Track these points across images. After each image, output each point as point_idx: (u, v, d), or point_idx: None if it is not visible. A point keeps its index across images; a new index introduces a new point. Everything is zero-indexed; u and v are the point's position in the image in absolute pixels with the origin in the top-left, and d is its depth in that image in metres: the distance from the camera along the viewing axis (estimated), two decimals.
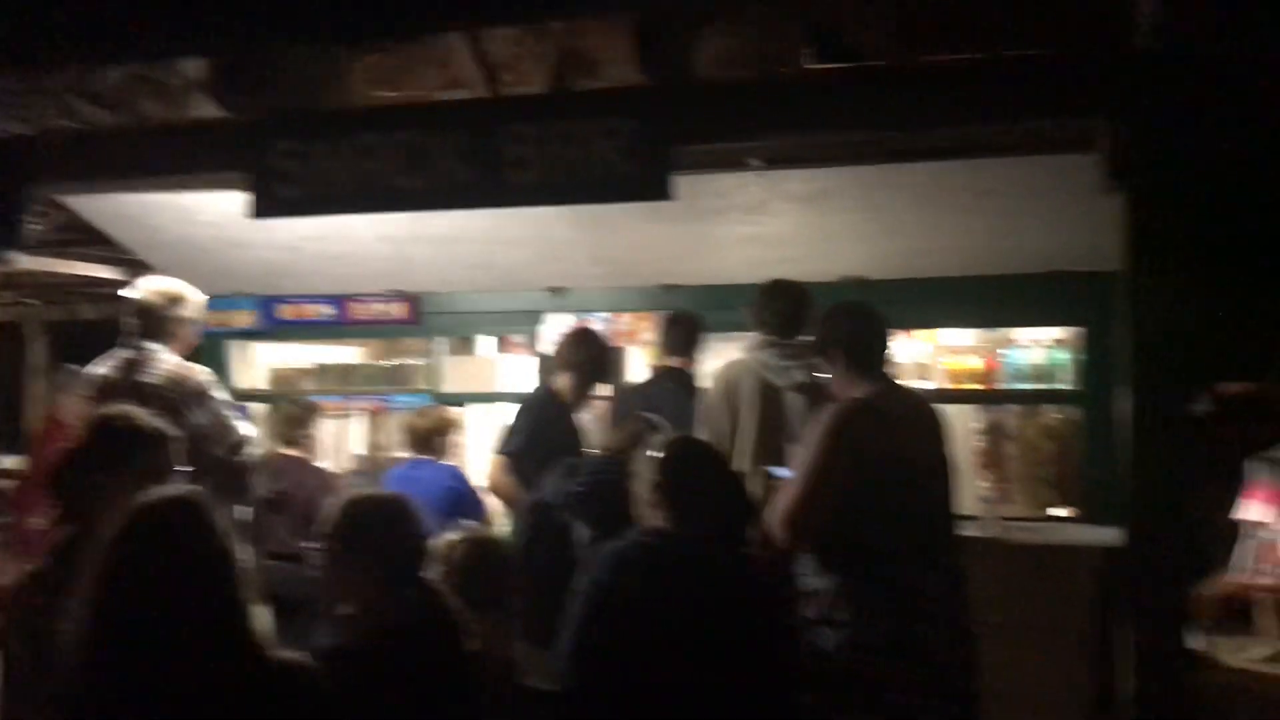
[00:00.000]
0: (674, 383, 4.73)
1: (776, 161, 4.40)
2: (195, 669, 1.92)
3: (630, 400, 4.77)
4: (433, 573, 3.02)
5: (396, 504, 2.67)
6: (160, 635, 1.92)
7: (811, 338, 4.36)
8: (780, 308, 4.32)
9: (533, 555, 3.80)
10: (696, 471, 3.04)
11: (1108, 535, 4.70)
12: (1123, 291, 3.38)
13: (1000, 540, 4.85)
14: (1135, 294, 3.34)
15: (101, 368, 4.07)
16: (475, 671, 2.67)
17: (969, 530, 4.34)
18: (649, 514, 3.01)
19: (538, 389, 4.83)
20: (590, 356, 4.61)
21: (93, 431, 2.94)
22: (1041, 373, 5.48)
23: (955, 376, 5.61)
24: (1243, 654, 3.70)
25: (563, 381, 4.60)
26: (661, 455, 3.04)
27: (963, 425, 5.72)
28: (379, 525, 2.61)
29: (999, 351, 5.65)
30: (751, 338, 4.42)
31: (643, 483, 3.04)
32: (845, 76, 3.96)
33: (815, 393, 4.23)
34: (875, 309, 3.49)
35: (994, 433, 5.65)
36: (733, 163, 4.37)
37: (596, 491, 3.51)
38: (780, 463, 4.19)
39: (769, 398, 4.26)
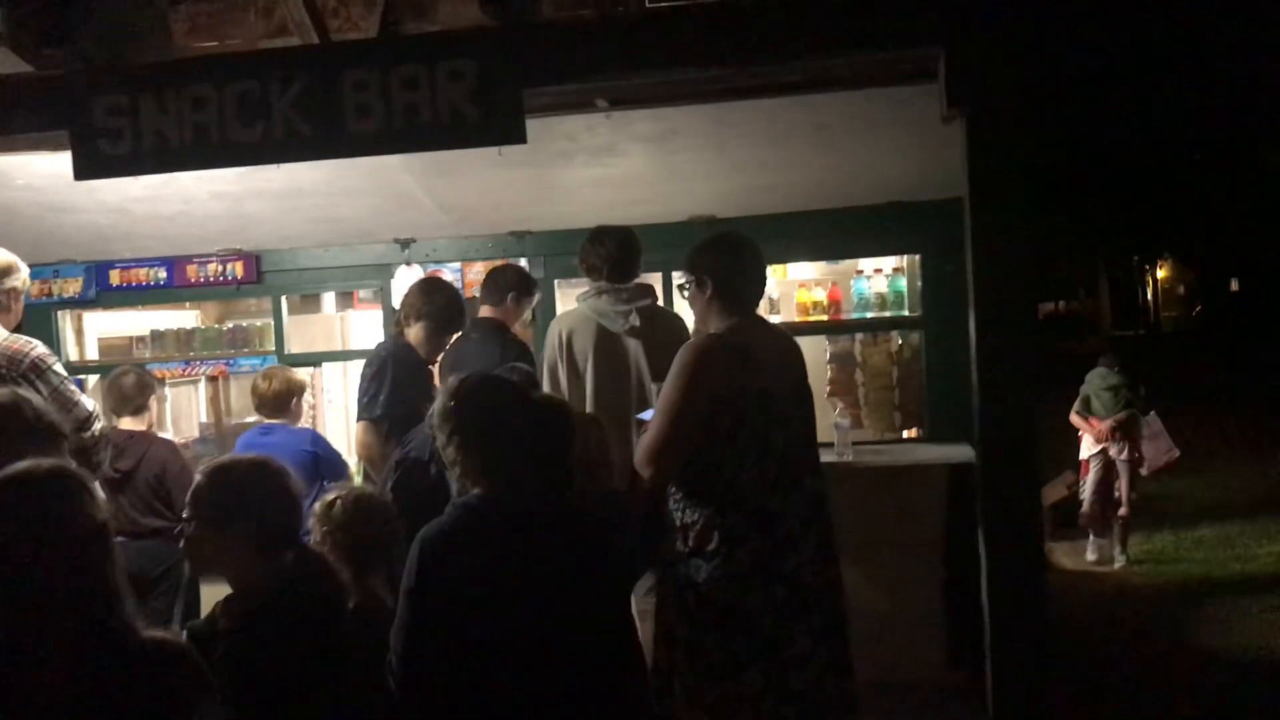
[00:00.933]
0: (481, 332, 4.64)
1: (623, 102, 4.39)
2: (69, 652, 1.82)
3: (447, 357, 4.68)
4: (314, 534, 2.96)
5: (268, 469, 2.58)
6: (31, 619, 1.82)
7: (642, 281, 4.43)
8: (607, 253, 4.35)
9: (403, 514, 3.73)
10: (494, 414, 2.65)
11: (953, 452, 4.95)
12: (966, 218, 3.51)
13: (853, 464, 5.04)
14: (977, 220, 3.48)
15: None
16: (356, 631, 2.63)
17: (824, 457, 4.50)
18: (457, 477, 2.71)
19: (386, 344, 4.72)
20: (443, 304, 4.54)
21: None
22: (884, 300, 5.67)
23: (804, 308, 5.75)
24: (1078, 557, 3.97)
25: (415, 333, 4.52)
26: (450, 403, 2.66)
27: (813, 356, 5.88)
28: (252, 491, 2.52)
29: (845, 282, 5.81)
30: (586, 285, 4.45)
31: (440, 442, 2.70)
32: (687, 13, 3.96)
33: (650, 335, 4.30)
34: (754, 244, 3.48)
35: (842, 361, 5.83)
36: (580, 105, 4.33)
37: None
38: (623, 409, 4.24)
39: (606, 344, 4.30)
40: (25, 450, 2.41)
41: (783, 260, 5.91)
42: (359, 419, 4.46)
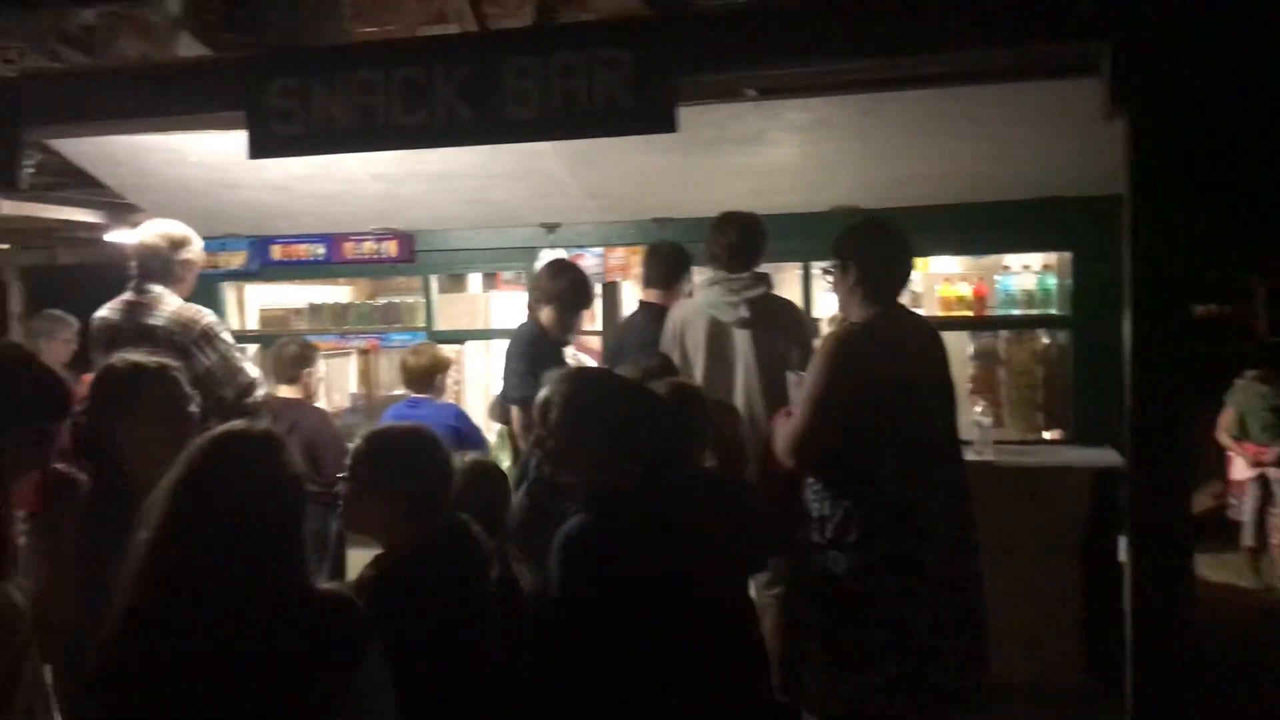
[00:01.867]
0: (644, 317, 4.73)
1: (772, 91, 4.40)
2: (257, 602, 1.95)
3: (613, 339, 4.77)
4: None
5: (423, 437, 2.70)
6: (237, 566, 1.95)
7: (759, 270, 4.42)
8: (728, 241, 4.34)
9: (536, 495, 3.80)
10: (605, 408, 2.67)
11: (1098, 456, 4.82)
12: (1125, 216, 3.41)
13: (994, 463, 4.96)
14: (1136, 219, 3.38)
15: (105, 311, 4.06)
16: (494, 599, 2.73)
17: (964, 454, 4.44)
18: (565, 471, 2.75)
19: (524, 326, 4.84)
20: (568, 285, 4.64)
21: (98, 381, 2.95)
22: (1032, 298, 5.55)
23: (947, 303, 5.67)
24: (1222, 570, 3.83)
25: (545, 315, 4.63)
26: (559, 399, 2.69)
27: (955, 352, 5.77)
28: (405, 456, 2.64)
29: (991, 278, 5.70)
30: (702, 273, 4.46)
31: (549, 436, 2.74)
32: (840, 3, 3.94)
33: (760, 325, 4.28)
34: (902, 232, 3.47)
35: (986, 358, 5.72)
36: (729, 93, 4.36)
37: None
38: (730, 399, 4.25)
39: (717, 336, 4.30)
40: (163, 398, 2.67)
41: (927, 254, 5.82)
42: (507, 401, 4.58)
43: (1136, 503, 3.43)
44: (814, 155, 4.95)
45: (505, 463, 4.73)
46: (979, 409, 5.23)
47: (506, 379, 4.62)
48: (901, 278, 3.46)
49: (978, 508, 4.15)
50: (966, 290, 5.66)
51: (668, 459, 2.71)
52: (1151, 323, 3.36)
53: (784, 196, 5.27)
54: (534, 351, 4.53)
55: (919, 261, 5.93)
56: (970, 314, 5.64)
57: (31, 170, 4.05)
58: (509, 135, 3.76)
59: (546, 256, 5.85)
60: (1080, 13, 3.44)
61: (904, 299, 5.64)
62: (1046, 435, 5.64)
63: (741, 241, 4.36)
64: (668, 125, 3.53)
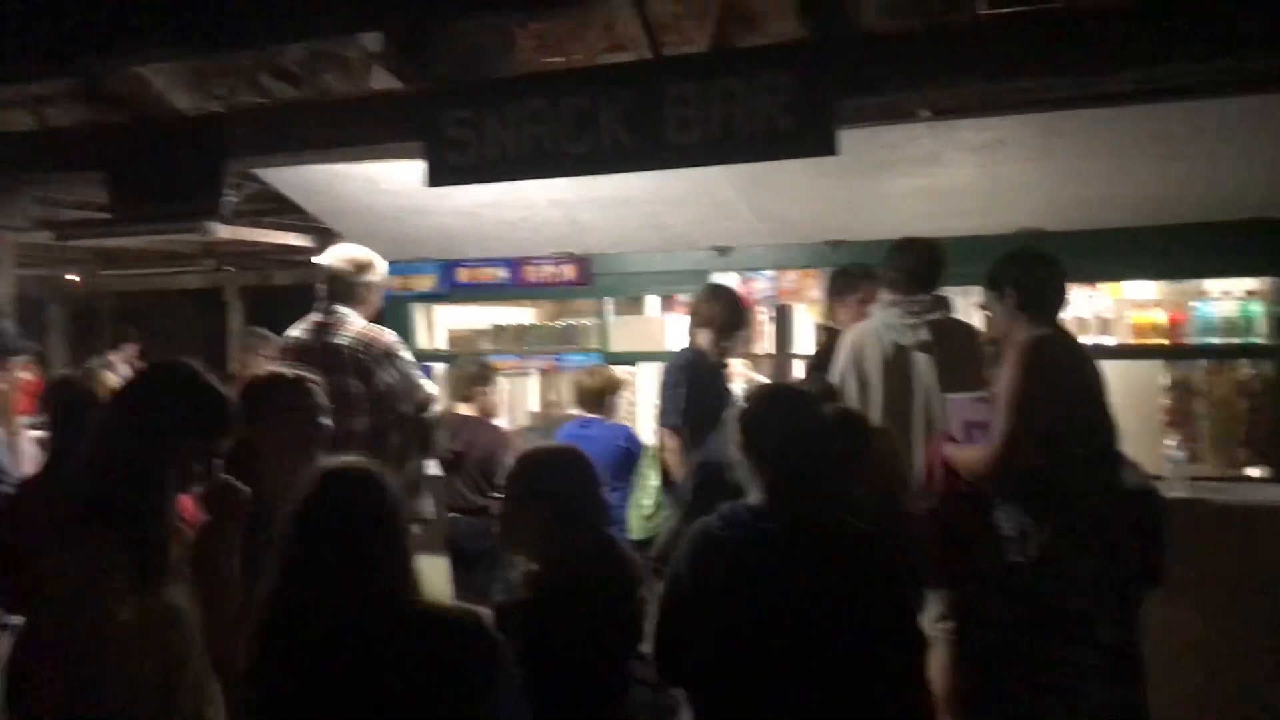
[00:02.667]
0: (826, 338, 4.72)
1: (947, 111, 4.29)
2: (370, 624, 2.05)
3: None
4: None
5: (571, 455, 2.77)
6: (339, 593, 2.06)
7: (939, 293, 4.30)
8: (908, 265, 4.25)
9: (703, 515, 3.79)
10: (773, 425, 2.61)
11: None
12: None
13: (1189, 500, 4.66)
14: None
15: (295, 331, 4.32)
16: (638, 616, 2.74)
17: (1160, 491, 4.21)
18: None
19: (683, 351, 4.84)
20: (723, 309, 4.65)
21: (242, 391, 3.13)
22: (1234, 326, 5.19)
23: (1140, 331, 5.37)
24: None
25: (703, 338, 4.64)
26: (740, 411, 2.64)
27: (1148, 382, 5.49)
28: (554, 475, 2.71)
29: (1188, 304, 5.37)
30: (881, 297, 4.38)
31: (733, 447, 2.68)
32: (1017, 21, 3.82)
33: (939, 349, 4.18)
34: (1056, 258, 3.46)
35: (1181, 389, 5.39)
36: (901, 114, 4.28)
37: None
38: (908, 425, 4.13)
39: (894, 359, 4.21)
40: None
41: (1117, 278, 5.52)
42: (661, 425, 4.63)
43: None
44: (993, 176, 4.80)
45: (652, 482, 4.75)
46: (1172, 442, 4.92)
47: (662, 403, 4.66)
48: (1060, 298, 3.40)
49: (1170, 544, 3.93)
50: (1161, 317, 5.34)
51: (822, 481, 2.65)
52: None
53: (962, 219, 5.12)
54: (691, 376, 4.55)
55: (1112, 287, 5.67)
56: (1165, 342, 5.32)
57: (236, 200, 4.34)
58: (670, 161, 3.81)
59: (718, 279, 5.88)
60: None
61: (1093, 326, 5.50)
62: (1248, 472, 5.26)
63: (919, 267, 4.27)
64: (828, 148, 3.51)
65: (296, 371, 3.20)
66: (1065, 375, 3.21)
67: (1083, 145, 4.46)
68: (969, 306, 4.96)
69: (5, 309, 4.21)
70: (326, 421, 3.10)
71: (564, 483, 2.72)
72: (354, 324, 4.23)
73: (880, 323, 4.31)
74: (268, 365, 6.70)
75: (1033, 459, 3.12)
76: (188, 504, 2.52)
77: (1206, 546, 4.40)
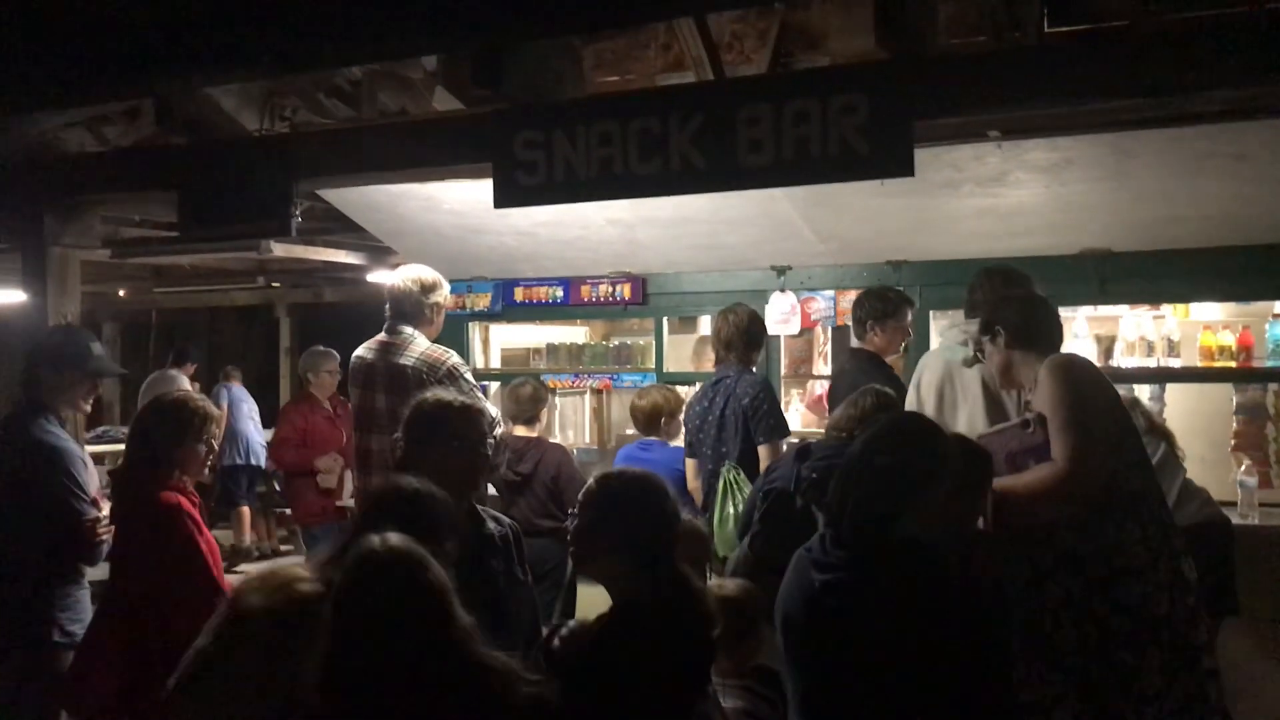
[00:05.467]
0: (853, 363, 4.77)
1: (1017, 131, 4.25)
2: (419, 701, 2.13)
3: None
4: None
5: (648, 482, 2.72)
6: (386, 675, 2.14)
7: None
8: (989, 292, 4.20)
9: (768, 544, 3.74)
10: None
11: None
12: None
13: (1260, 527, 4.58)
14: None
15: (361, 350, 4.35)
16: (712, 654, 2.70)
17: (1230, 517, 4.13)
18: None
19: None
20: (739, 329, 4.85)
21: (410, 414, 3.19)
22: None
23: (1208, 353, 5.27)
24: None
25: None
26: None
27: (1218, 405, 5.39)
28: (630, 502, 2.67)
29: (1257, 326, 5.27)
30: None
31: None
32: (1088, 41, 3.77)
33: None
34: (1044, 296, 3.67)
35: (1251, 412, 5.28)
36: (970, 134, 4.24)
37: (829, 477, 3.45)
38: None
39: (947, 378, 4.21)
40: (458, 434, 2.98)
41: (1186, 299, 5.44)
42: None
43: None
44: (1061, 196, 4.74)
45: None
46: (1242, 468, 4.82)
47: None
48: (1058, 332, 3.47)
49: (1241, 572, 3.85)
50: (1230, 339, 5.24)
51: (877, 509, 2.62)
52: None
53: (1028, 239, 5.07)
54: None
55: (1179, 308, 5.59)
56: (1234, 365, 5.23)
57: (298, 218, 4.37)
58: (743, 183, 3.79)
59: (776, 299, 5.86)
60: None
61: (1161, 348, 5.41)
62: None
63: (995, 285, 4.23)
64: (905, 169, 3.47)
65: (464, 399, 3.21)
66: (1106, 384, 3.25)
67: (1153, 165, 4.40)
68: None
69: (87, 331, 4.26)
70: (491, 443, 3.22)
71: (638, 511, 2.67)
72: (419, 344, 4.25)
73: (942, 343, 4.31)
74: (330, 381, 6.82)
75: (1106, 467, 3.07)
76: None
77: (1277, 574, 4.33)
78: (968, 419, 4.15)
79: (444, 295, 4.40)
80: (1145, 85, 3.55)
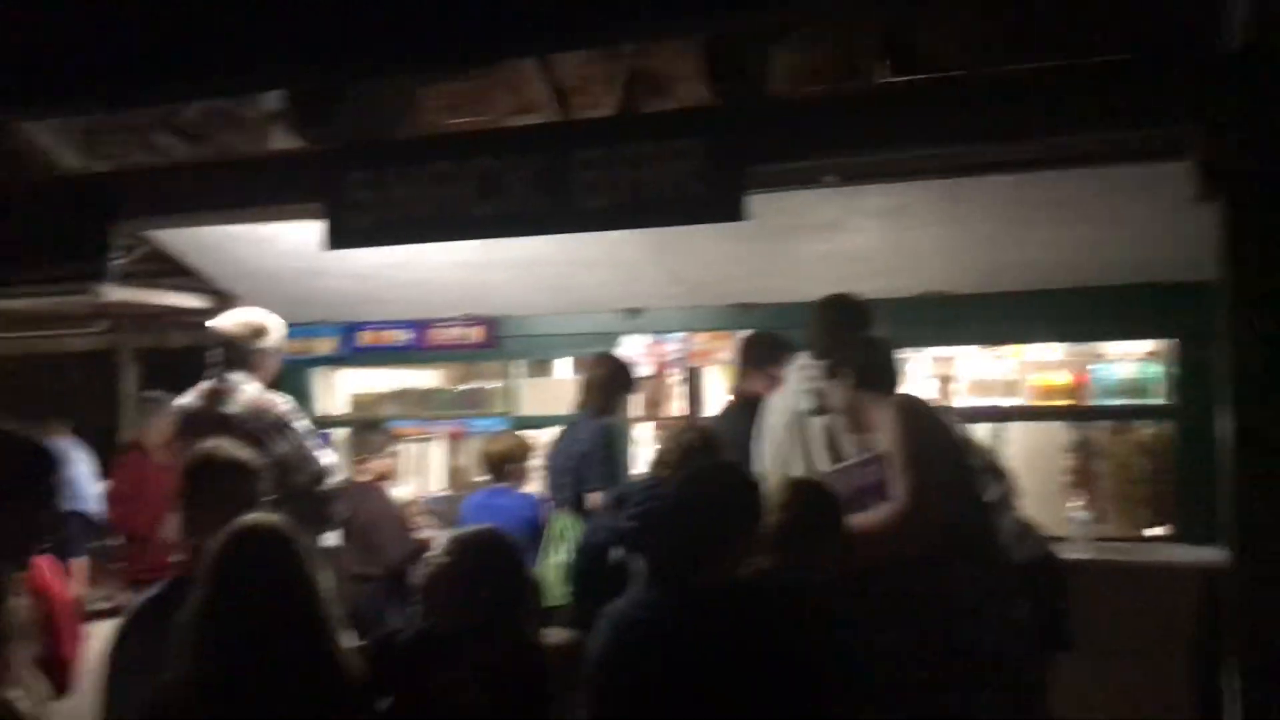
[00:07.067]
0: (739, 406, 4.68)
1: (853, 177, 4.32)
2: (286, 688, 2.15)
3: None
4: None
5: (500, 542, 2.67)
6: (255, 656, 2.18)
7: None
8: (829, 324, 4.21)
9: (586, 598, 3.67)
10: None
11: (1208, 555, 4.53)
12: (1222, 303, 3.23)
13: (1093, 562, 4.72)
14: (1234, 305, 3.20)
15: (186, 399, 4.14)
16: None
17: (1062, 552, 4.22)
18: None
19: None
20: (606, 377, 4.89)
21: (188, 469, 3.02)
22: (1133, 387, 5.32)
23: (1043, 393, 5.45)
24: None
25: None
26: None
27: (1051, 443, 5.56)
28: (484, 566, 2.61)
29: (1088, 366, 5.47)
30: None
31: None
32: (922, 89, 3.87)
33: (831, 413, 4.19)
34: (884, 336, 3.74)
35: (1084, 450, 5.47)
36: (808, 179, 4.30)
37: (648, 523, 3.42)
38: None
39: (793, 423, 4.12)
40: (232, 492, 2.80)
41: (1021, 341, 5.62)
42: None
43: (1243, 610, 3.19)
44: (898, 241, 4.84)
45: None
46: (1076, 504, 4.98)
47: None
48: (896, 372, 3.59)
49: (1077, 606, 3.94)
50: (1063, 379, 5.44)
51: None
52: (1256, 418, 3.15)
53: (870, 282, 5.12)
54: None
55: (1015, 349, 5.77)
56: (1067, 404, 5.41)
57: (125, 262, 4.16)
58: (580, 225, 3.75)
59: (629, 342, 5.84)
60: (1168, 96, 3.32)
61: (997, 389, 5.57)
62: (1150, 532, 5.34)
63: (845, 325, 4.22)
64: (737, 214, 3.49)
65: (244, 454, 3.05)
66: (945, 427, 3.34)
67: (985, 210, 4.52)
68: None
69: None
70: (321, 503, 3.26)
71: (490, 577, 2.61)
72: (247, 392, 4.07)
73: (788, 386, 4.28)
74: (163, 430, 6.49)
75: (943, 508, 3.11)
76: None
77: (1110, 607, 4.45)
78: (806, 469, 4.16)
79: (275, 340, 4.22)
80: (976, 133, 3.66)
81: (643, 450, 6.12)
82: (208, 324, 4.24)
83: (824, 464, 4.08)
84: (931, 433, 3.21)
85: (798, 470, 4.09)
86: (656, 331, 5.88)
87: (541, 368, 6.78)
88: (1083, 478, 5.40)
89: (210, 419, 3.98)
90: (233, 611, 2.21)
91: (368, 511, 4.95)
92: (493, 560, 2.62)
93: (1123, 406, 5.33)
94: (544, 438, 6.10)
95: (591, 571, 3.66)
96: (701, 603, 2.46)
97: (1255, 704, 3.19)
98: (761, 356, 4.78)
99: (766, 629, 2.46)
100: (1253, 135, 3.14)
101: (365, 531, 4.90)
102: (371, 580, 4.79)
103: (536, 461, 5.61)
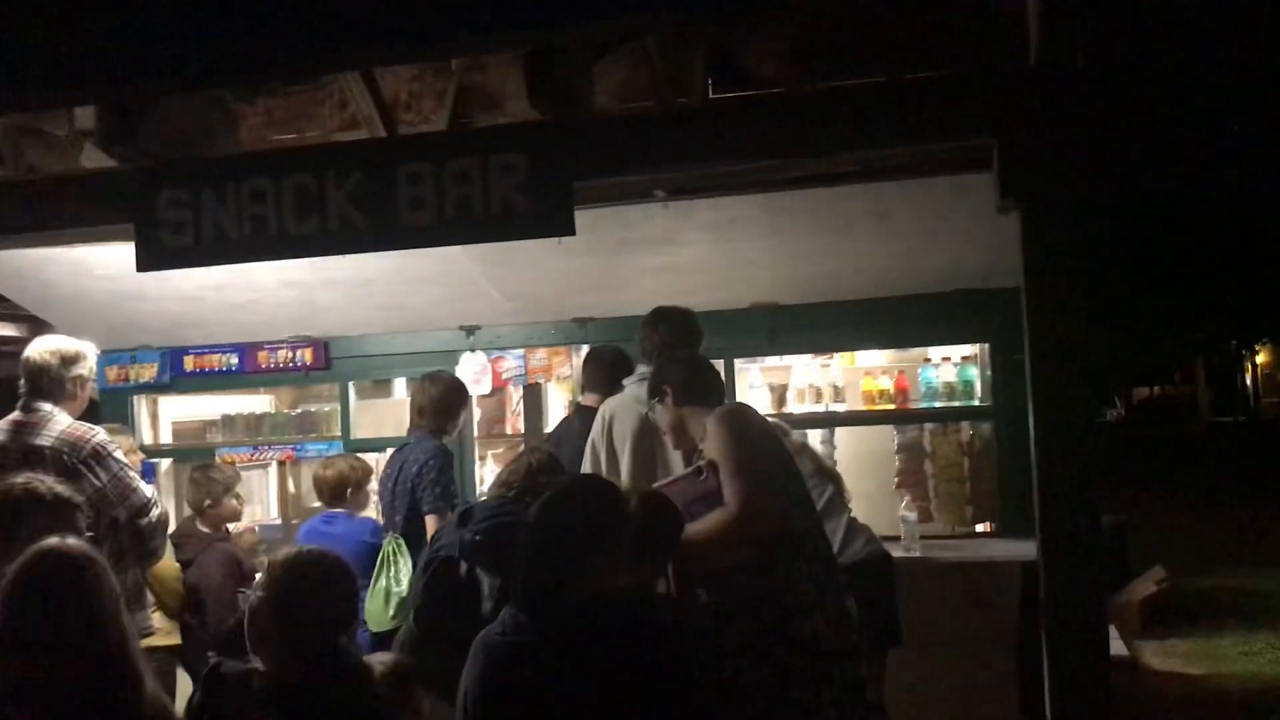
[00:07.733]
0: (581, 421, 4.67)
1: (682, 191, 4.40)
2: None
3: (550, 442, 4.75)
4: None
5: (328, 569, 2.60)
6: (46, 690, 2.14)
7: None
8: (660, 338, 4.29)
9: (434, 615, 3.61)
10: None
11: (1028, 548, 4.75)
12: (1024, 306, 3.41)
13: (922, 559, 4.89)
14: (1035, 308, 3.38)
15: None
16: None
17: (892, 551, 4.36)
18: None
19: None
20: (440, 395, 4.80)
21: None
22: (954, 390, 5.55)
23: (870, 397, 5.64)
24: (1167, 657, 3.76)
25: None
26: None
27: (880, 446, 5.75)
28: (307, 591, 2.54)
29: (913, 371, 5.69)
30: (638, 368, 4.41)
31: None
32: (745, 105, 3.97)
33: None
34: (702, 356, 3.92)
35: (910, 452, 5.67)
36: (639, 194, 4.35)
37: (495, 537, 3.40)
38: None
39: (644, 430, 4.21)
40: (48, 527, 2.62)
41: (848, 348, 5.82)
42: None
43: (1050, 596, 3.36)
44: (729, 253, 4.94)
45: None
46: (905, 504, 5.16)
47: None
48: (719, 387, 3.66)
49: (907, 603, 4.08)
50: (888, 384, 5.64)
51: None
52: (1054, 415, 3.34)
53: (703, 294, 5.23)
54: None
55: (843, 356, 5.96)
56: (893, 407, 5.61)
57: None
58: (405, 241, 3.71)
59: (467, 360, 5.78)
60: (966, 111, 3.49)
61: (828, 394, 5.74)
62: (976, 528, 5.58)
63: (673, 338, 4.28)
64: (566, 229, 3.50)
65: (56, 489, 2.93)
66: (771, 433, 3.42)
67: (808, 223, 4.66)
68: None
69: None
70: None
71: (314, 603, 2.55)
72: (59, 422, 3.88)
73: (631, 394, 4.31)
74: None
75: (775, 508, 3.18)
76: None
77: (938, 602, 4.63)
78: (665, 468, 4.20)
79: (87, 368, 4.03)
80: (795, 146, 3.77)
81: (483, 470, 6.09)
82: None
83: (670, 473, 4.15)
84: (757, 438, 3.27)
85: (651, 477, 4.16)
86: (494, 348, 5.83)
87: (379, 389, 6.65)
88: (911, 478, 5.59)
89: (19, 452, 3.78)
90: (21, 641, 2.20)
91: (194, 569, 4.69)
92: (309, 584, 2.55)
93: (944, 409, 5.56)
94: (381, 461, 6.00)
95: (441, 584, 3.59)
96: (576, 623, 2.43)
97: (1060, 687, 3.36)
98: (605, 372, 4.80)
99: (641, 646, 2.45)
100: (1044, 149, 3.33)
101: (191, 590, 4.64)
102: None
103: (373, 485, 5.50)
